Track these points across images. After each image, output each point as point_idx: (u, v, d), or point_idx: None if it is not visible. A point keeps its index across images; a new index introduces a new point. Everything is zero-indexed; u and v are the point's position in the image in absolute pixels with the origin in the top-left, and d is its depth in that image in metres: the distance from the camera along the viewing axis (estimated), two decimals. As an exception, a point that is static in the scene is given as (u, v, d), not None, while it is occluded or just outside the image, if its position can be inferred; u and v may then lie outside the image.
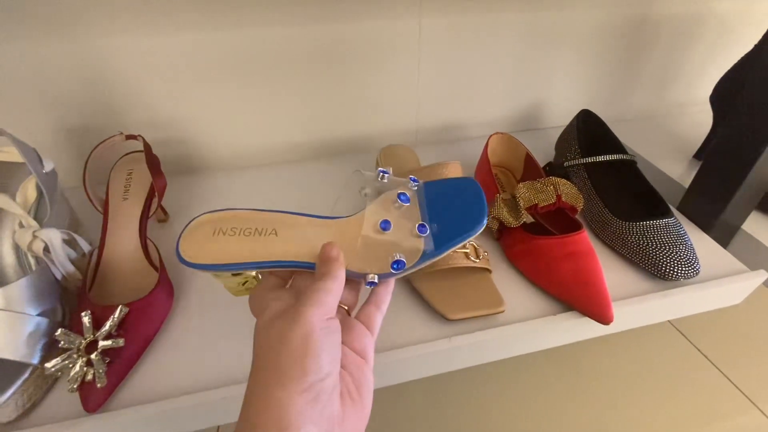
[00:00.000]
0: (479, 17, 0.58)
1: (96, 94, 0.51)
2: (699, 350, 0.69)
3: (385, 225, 0.28)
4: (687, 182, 0.53)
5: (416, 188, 0.30)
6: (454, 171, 0.45)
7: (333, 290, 0.24)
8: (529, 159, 0.52)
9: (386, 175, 0.30)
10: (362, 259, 0.27)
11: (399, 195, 0.29)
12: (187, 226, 0.28)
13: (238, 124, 0.59)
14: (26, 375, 0.32)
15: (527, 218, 0.44)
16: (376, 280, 0.27)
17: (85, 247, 0.40)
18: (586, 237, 0.41)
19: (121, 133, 0.45)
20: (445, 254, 0.27)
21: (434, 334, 0.38)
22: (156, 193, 0.43)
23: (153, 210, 0.44)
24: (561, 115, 0.72)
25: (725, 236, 0.50)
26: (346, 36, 0.54)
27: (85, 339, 0.33)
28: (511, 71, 0.65)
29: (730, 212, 0.48)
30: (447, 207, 0.29)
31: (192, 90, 0.54)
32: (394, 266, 0.27)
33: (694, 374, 0.66)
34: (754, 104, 0.43)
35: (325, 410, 0.21)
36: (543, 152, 0.63)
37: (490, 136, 0.54)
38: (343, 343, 0.24)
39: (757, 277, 0.43)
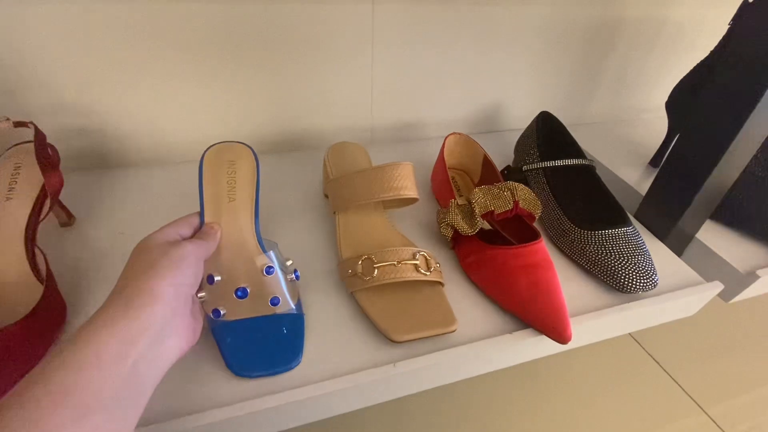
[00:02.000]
0: (436, 8, 0.54)
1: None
2: (652, 356, 0.70)
3: (270, 270, 0.33)
4: (643, 189, 0.51)
5: (294, 282, 0.35)
6: (406, 172, 0.40)
7: (209, 248, 0.32)
8: (487, 162, 0.49)
9: (295, 275, 0.35)
10: (225, 259, 0.33)
11: (295, 271, 0.35)
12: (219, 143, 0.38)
13: (165, 114, 0.52)
14: None
15: (483, 225, 0.40)
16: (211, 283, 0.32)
17: (-50, 258, 0.32)
18: (544, 247, 0.38)
19: (8, 119, 0.37)
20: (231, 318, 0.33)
21: (378, 359, 0.33)
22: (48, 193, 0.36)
23: (45, 212, 0.37)
24: (522, 117, 0.70)
25: (680, 245, 0.50)
26: (291, 17, 0.49)
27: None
28: (471, 70, 0.61)
29: (686, 221, 0.47)
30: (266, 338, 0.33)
31: (111, 72, 0.47)
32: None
33: (646, 380, 0.66)
34: (709, 112, 0.42)
35: (181, 307, 0.27)
36: (503, 155, 0.60)
37: (447, 136, 0.50)
38: None
39: (713, 289, 0.42)
